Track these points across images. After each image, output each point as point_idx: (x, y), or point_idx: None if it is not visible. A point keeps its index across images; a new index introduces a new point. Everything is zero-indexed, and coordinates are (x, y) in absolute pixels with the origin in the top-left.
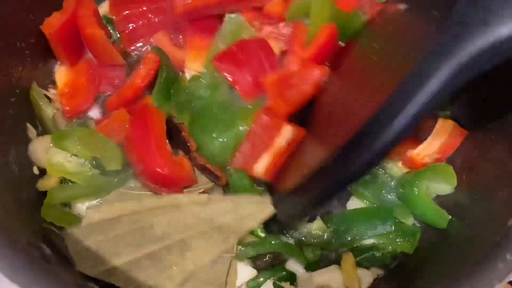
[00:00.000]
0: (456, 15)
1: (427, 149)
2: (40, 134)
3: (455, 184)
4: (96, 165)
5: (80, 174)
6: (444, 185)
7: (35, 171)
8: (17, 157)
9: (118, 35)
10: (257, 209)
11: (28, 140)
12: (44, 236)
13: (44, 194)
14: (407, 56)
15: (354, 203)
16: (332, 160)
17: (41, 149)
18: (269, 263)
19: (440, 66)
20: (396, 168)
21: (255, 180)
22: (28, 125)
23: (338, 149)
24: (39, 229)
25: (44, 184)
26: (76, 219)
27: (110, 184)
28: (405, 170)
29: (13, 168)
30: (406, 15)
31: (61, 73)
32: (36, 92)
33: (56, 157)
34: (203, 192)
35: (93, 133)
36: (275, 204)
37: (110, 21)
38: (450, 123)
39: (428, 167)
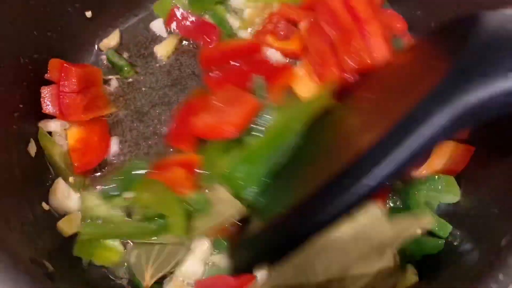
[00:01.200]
0: (458, 65)
1: (430, 169)
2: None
3: (458, 194)
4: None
5: (112, 217)
6: (446, 195)
7: (45, 207)
8: (20, 168)
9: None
10: (413, 221)
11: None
12: (48, 253)
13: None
14: (402, 101)
15: None
16: (307, 202)
17: (59, 195)
18: None
19: (434, 113)
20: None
21: None
22: (32, 141)
23: (314, 189)
24: (42, 247)
25: (65, 228)
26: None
27: (145, 231)
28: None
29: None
30: (408, 63)
31: (73, 131)
32: (44, 136)
33: (87, 202)
34: None
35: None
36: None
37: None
38: (449, 143)
39: (427, 177)
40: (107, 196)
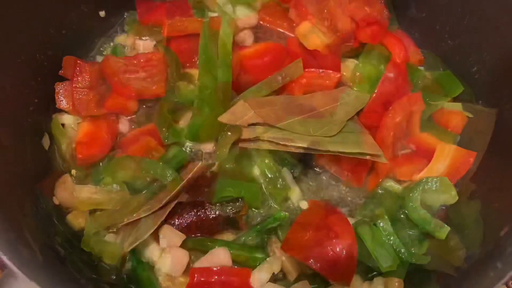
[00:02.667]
0: None
1: (431, 174)
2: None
3: (454, 193)
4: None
5: (109, 200)
6: (443, 195)
7: (55, 201)
8: (34, 160)
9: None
10: None
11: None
12: (60, 239)
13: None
14: None
15: None
16: None
17: (65, 191)
18: None
19: None
20: (395, 184)
21: None
22: (46, 134)
23: None
24: (54, 233)
25: (75, 222)
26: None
27: (139, 201)
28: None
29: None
30: None
31: (84, 125)
32: (56, 126)
33: (82, 194)
34: None
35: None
36: None
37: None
38: (451, 147)
39: (421, 180)
40: (97, 180)
